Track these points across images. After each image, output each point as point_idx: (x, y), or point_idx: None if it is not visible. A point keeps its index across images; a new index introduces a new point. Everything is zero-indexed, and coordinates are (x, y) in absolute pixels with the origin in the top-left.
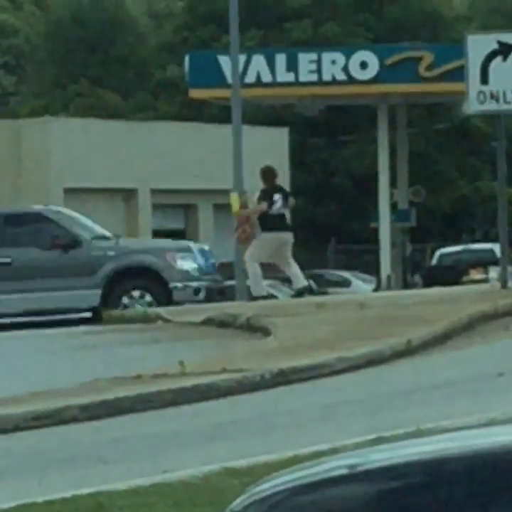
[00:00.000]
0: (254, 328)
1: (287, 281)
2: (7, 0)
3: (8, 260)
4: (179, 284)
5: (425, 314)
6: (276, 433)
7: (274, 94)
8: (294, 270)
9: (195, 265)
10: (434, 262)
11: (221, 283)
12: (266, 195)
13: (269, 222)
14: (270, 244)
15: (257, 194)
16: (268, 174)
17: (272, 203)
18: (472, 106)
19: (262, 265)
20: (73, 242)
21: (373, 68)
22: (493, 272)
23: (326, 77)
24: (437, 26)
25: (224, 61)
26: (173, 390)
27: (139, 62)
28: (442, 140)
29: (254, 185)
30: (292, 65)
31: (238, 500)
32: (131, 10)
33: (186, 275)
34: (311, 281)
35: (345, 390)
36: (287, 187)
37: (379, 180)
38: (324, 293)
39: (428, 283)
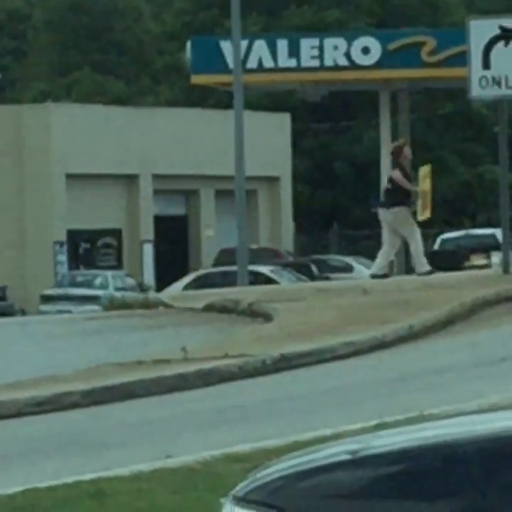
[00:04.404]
0: (255, 314)
1: (288, 266)
2: None
3: None
4: None
5: (427, 300)
6: (277, 418)
7: (275, 79)
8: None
9: None
10: (435, 247)
11: None
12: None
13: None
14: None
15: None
16: (398, 152)
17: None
18: (474, 91)
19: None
20: None
21: (375, 54)
22: (495, 257)
23: (328, 62)
24: (438, 11)
25: (226, 46)
26: (175, 375)
27: (140, 48)
28: (444, 126)
29: (256, 170)
30: (294, 51)
31: (240, 486)
32: None
33: None
34: (314, 267)
35: (348, 375)
36: (289, 172)
37: (381, 165)
38: (326, 278)
39: None
